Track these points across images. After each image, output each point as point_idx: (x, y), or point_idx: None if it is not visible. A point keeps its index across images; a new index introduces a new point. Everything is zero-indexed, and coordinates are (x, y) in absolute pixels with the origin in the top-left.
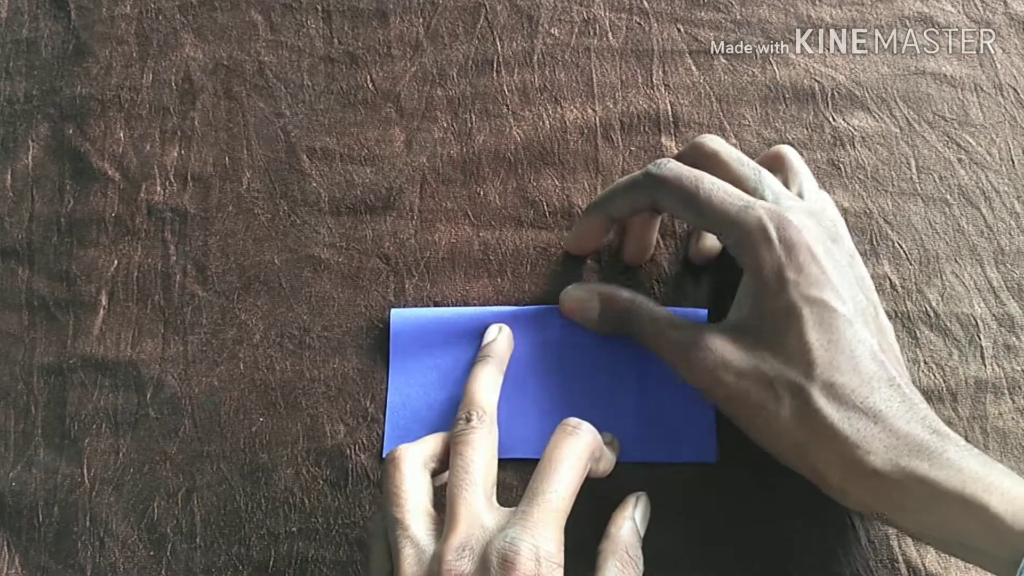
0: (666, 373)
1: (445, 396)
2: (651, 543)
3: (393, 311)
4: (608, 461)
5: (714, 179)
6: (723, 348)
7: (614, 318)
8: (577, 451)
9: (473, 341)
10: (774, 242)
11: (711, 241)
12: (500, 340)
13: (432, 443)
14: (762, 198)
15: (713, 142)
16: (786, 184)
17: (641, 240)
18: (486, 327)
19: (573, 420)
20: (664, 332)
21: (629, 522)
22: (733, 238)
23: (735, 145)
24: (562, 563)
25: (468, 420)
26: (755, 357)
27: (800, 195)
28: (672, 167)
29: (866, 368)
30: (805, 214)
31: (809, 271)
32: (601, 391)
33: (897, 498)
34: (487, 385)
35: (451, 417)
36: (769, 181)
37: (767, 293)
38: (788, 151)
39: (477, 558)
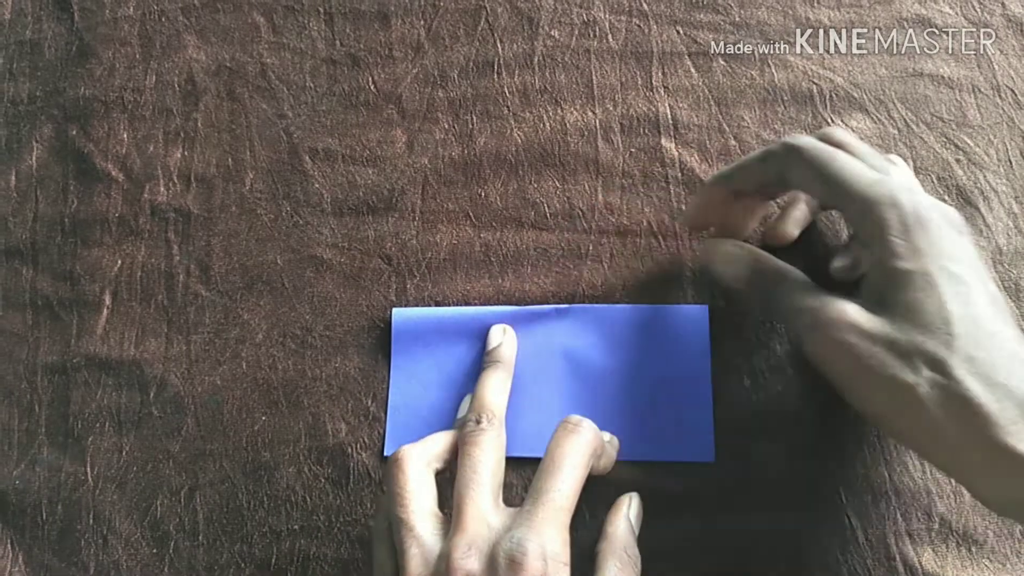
0: (666, 372)
1: (446, 395)
2: (649, 541)
3: (395, 310)
4: (608, 459)
5: (848, 155)
6: (856, 313)
7: (759, 279)
8: (580, 449)
9: (474, 341)
10: (908, 214)
11: (791, 225)
12: (506, 344)
13: (436, 442)
14: None
15: (843, 134)
16: None
17: (741, 223)
18: (487, 327)
19: (575, 417)
20: (798, 298)
21: (625, 522)
22: (863, 210)
23: (734, 147)
24: (568, 561)
25: (478, 422)
26: (891, 324)
27: None
28: (809, 139)
29: (1007, 347)
30: (928, 196)
31: (943, 245)
32: (601, 390)
33: None
34: (496, 388)
35: (452, 416)
36: (896, 166)
37: (900, 261)
38: (846, 137)
39: (484, 557)
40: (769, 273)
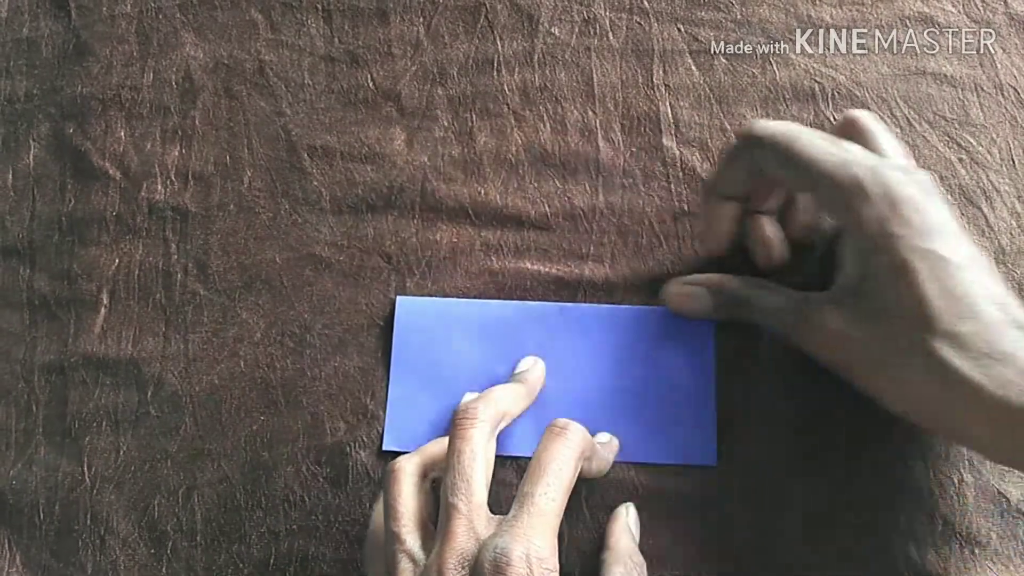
0: (669, 374)
1: (446, 389)
2: (652, 545)
3: (399, 298)
4: (603, 461)
5: (812, 132)
6: (836, 318)
7: (727, 306)
8: (567, 452)
9: (476, 332)
10: (874, 196)
11: (805, 216)
12: (533, 371)
13: (433, 450)
14: None
15: (863, 116)
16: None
17: (723, 231)
18: (492, 320)
19: (561, 421)
20: (774, 310)
21: (626, 531)
22: (830, 193)
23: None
24: (556, 567)
25: (473, 415)
26: (871, 322)
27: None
28: (766, 123)
29: (988, 313)
30: (897, 169)
31: (914, 222)
32: (602, 390)
33: None
34: (508, 393)
35: (452, 410)
36: (856, 147)
37: (872, 250)
38: (863, 116)
39: (470, 567)
40: (732, 297)
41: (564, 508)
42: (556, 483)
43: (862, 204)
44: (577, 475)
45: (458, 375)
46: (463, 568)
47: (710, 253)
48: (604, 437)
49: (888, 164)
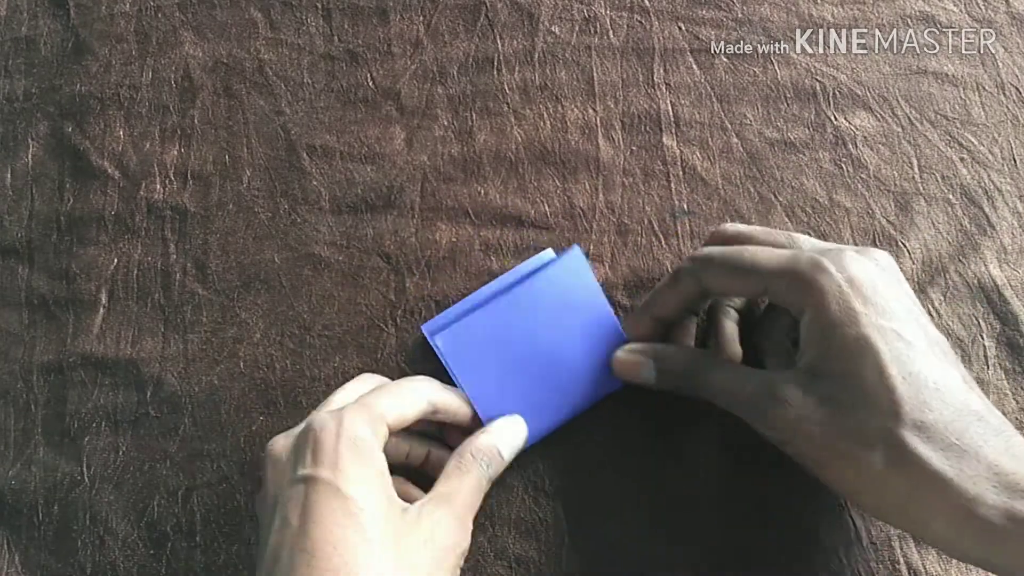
0: (572, 322)
1: (517, 377)
2: (654, 545)
3: (429, 333)
4: (452, 404)
5: (753, 246)
6: (799, 399)
7: (674, 379)
8: (419, 389)
9: (510, 323)
10: (835, 276)
11: (731, 347)
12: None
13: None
14: None
15: (732, 226)
16: None
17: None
18: (511, 306)
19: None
20: (733, 390)
21: (486, 435)
22: (789, 286)
23: (736, 144)
24: (367, 449)
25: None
26: (835, 403)
27: None
28: (710, 248)
29: (954, 401)
30: (849, 249)
31: (876, 302)
32: (533, 368)
33: (1013, 549)
34: (451, 393)
35: (533, 388)
36: (801, 239)
37: (835, 327)
38: (738, 228)
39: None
40: (680, 372)
41: (393, 420)
42: (387, 392)
43: (825, 285)
44: (422, 411)
45: (523, 366)
46: (290, 437)
47: (625, 378)
48: (502, 422)
49: (842, 247)
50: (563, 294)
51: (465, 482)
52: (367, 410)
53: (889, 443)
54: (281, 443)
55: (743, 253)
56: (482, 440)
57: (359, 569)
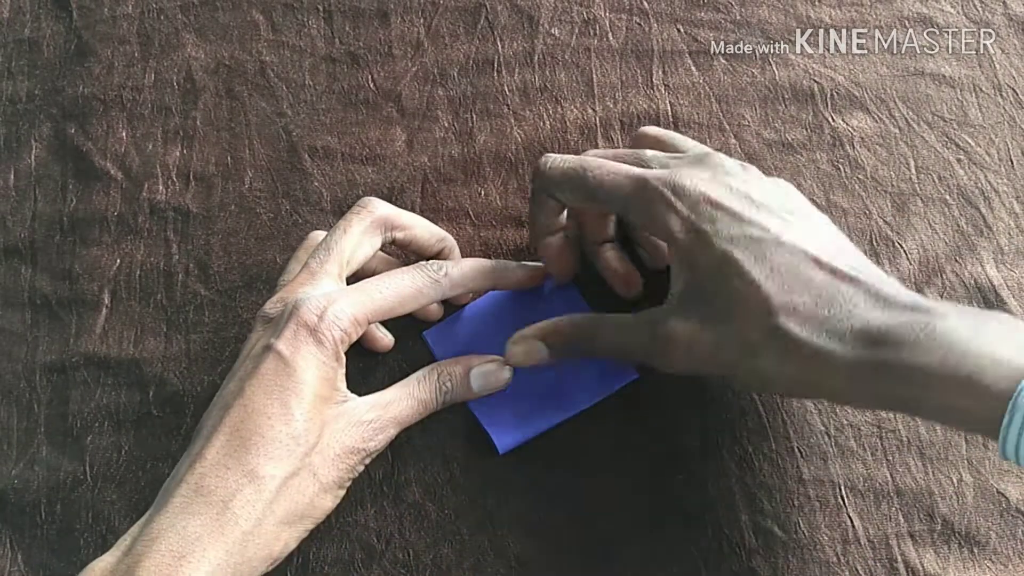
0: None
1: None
2: (655, 546)
3: (426, 332)
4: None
5: (598, 160)
6: (682, 330)
7: (566, 348)
8: (406, 281)
9: (501, 319)
10: (675, 204)
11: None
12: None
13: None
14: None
15: (651, 129)
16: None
17: (558, 260)
18: (502, 302)
19: (364, 199)
20: (622, 346)
21: (465, 360)
22: (636, 215)
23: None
24: (349, 331)
25: (366, 206)
26: (717, 323)
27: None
28: (553, 162)
29: (815, 279)
30: (690, 166)
31: (717, 216)
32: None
33: (894, 390)
34: (396, 212)
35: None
36: (648, 155)
37: (692, 252)
38: (647, 128)
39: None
40: (567, 340)
41: (382, 310)
42: (386, 289)
43: (668, 215)
44: (413, 301)
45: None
46: (280, 304)
47: (560, 279)
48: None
49: (680, 163)
50: (550, 292)
51: (414, 393)
52: (352, 309)
53: (772, 336)
54: (271, 311)
55: (586, 173)
56: (459, 364)
57: (266, 430)
